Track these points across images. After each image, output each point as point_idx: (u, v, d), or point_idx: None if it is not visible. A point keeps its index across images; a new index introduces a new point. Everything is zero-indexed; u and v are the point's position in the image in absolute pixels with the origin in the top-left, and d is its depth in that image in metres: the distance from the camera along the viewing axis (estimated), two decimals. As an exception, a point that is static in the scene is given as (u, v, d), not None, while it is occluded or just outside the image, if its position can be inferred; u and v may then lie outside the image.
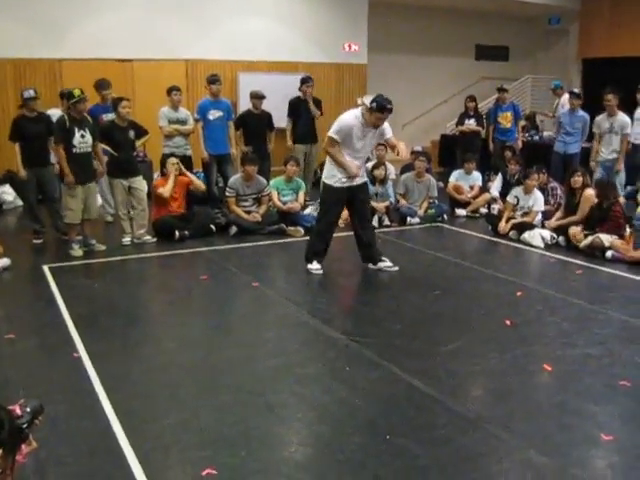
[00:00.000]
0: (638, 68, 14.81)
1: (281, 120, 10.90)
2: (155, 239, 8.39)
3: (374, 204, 9.43)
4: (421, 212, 9.73)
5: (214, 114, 9.78)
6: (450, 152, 13.58)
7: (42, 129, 8.17)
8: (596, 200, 8.20)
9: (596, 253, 7.81)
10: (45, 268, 7.25)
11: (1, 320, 5.78)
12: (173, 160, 8.71)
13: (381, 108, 6.53)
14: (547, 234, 8.49)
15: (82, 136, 7.62)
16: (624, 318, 5.83)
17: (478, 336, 5.46)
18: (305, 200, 9.68)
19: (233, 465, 3.54)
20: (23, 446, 2.51)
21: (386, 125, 6.85)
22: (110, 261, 7.66)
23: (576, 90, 11.55)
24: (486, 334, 5.51)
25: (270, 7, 13.21)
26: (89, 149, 7.74)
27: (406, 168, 11.04)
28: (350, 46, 14.26)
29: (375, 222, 9.28)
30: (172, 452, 3.68)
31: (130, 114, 8.28)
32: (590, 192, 8.42)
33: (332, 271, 7.41)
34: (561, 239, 8.38)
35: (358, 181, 6.95)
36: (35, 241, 8.41)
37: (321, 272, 7.02)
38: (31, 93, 8.14)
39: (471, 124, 12.42)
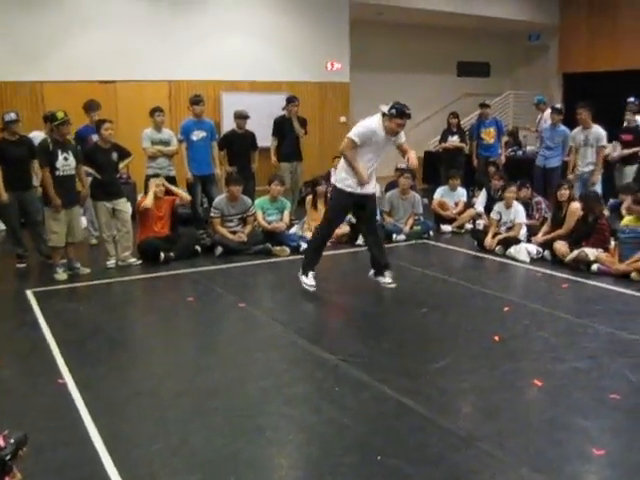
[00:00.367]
0: (617, 82, 14.99)
1: (265, 139, 10.89)
2: (140, 261, 8.33)
3: (360, 222, 9.43)
4: (407, 229, 9.74)
5: (198, 134, 9.77)
6: (434, 169, 13.62)
7: (24, 152, 8.12)
8: (582, 213, 8.24)
9: (581, 267, 7.84)
10: (29, 292, 7.17)
11: (-16, 347, 5.71)
12: (158, 181, 8.67)
13: (401, 113, 6.50)
14: (533, 248, 8.52)
15: (65, 159, 7.58)
16: (611, 331, 5.84)
17: (467, 353, 5.45)
18: (290, 219, 9.66)
19: (223, 490, 3.51)
20: (7, 478, 2.46)
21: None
22: (95, 284, 7.59)
23: (558, 105, 11.66)
24: (475, 350, 5.49)
25: (253, 27, 13.24)
26: (72, 172, 7.69)
27: (391, 185, 11.07)
28: (333, 65, 14.31)
29: (361, 240, 9.26)
30: (161, 478, 3.63)
31: (113, 136, 8.24)
32: (576, 205, 8.47)
33: (319, 290, 7.37)
34: (547, 253, 8.41)
35: (369, 190, 6.84)
36: (18, 265, 8.33)
37: (314, 289, 6.90)
38: (12, 116, 8.09)
39: (454, 140, 12.47)
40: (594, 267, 7.77)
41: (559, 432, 4.08)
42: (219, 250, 8.71)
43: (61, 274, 7.71)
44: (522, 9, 16.59)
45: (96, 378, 4.95)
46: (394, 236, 9.56)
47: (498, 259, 8.53)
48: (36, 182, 8.36)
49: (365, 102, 15.33)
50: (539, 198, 9.63)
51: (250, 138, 10.30)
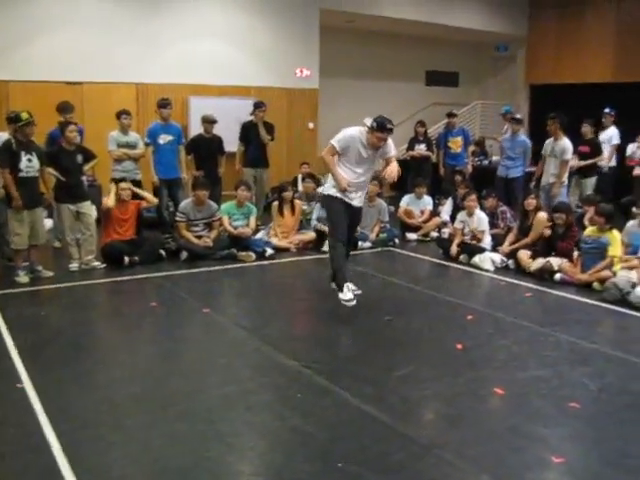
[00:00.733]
0: (582, 94, 15.20)
1: (232, 144, 10.88)
2: (104, 265, 8.24)
3: (325, 229, 9.42)
4: (372, 236, 9.76)
5: (164, 138, 9.71)
6: (401, 177, 13.63)
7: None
8: (549, 223, 8.34)
9: (545, 276, 7.92)
10: (-11, 295, 7.07)
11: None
12: (124, 185, 8.59)
13: (381, 127, 6.38)
14: (497, 257, 8.60)
15: (29, 160, 7.48)
16: (573, 340, 5.91)
17: (429, 361, 5.48)
18: (257, 225, 9.63)
19: (182, 497, 3.48)
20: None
21: (390, 143, 6.71)
22: (57, 288, 7.49)
23: (517, 116, 11.77)
24: (437, 358, 5.52)
25: (222, 31, 13.19)
26: (36, 174, 7.59)
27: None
28: (302, 71, 14.30)
29: (327, 247, 9.25)
30: (119, 485, 3.60)
31: (77, 138, 8.16)
32: (543, 215, 8.57)
33: (284, 296, 7.38)
34: (511, 262, 8.49)
35: (355, 203, 6.72)
36: (-21, 267, 8.21)
37: (354, 302, 6.40)
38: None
39: (421, 149, 12.55)
40: (557, 277, 7.87)
41: (520, 440, 4.11)
42: (184, 255, 8.66)
43: (23, 277, 7.60)
44: (491, 20, 16.73)
45: (56, 383, 4.89)
46: (360, 243, 9.56)
47: (463, 268, 8.59)
48: (-1, 183, 8.25)
49: (334, 109, 15.44)
50: (504, 207, 9.71)
51: (217, 143, 10.27)
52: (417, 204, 10.66)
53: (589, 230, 8.09)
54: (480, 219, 9.04)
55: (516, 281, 7.99)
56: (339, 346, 5.69)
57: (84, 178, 8.82)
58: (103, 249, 8.37)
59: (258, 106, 10.88)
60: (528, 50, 17.83)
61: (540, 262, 8.03)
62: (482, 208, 9.36)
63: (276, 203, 9.74)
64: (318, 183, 11.59)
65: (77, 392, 4.76)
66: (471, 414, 4.48)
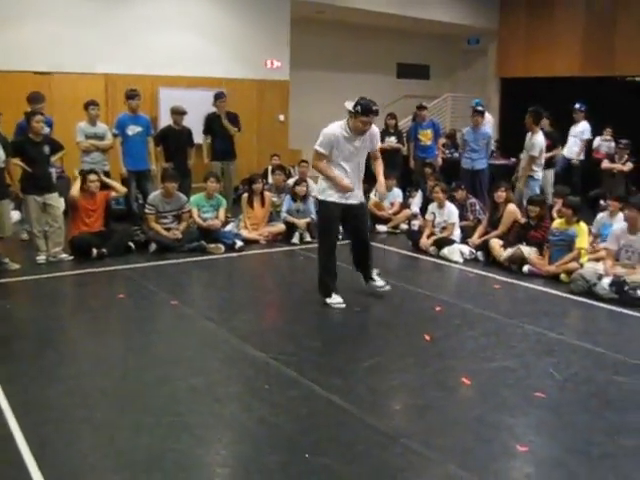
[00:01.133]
0: (552, 88, 15.33)
1: (202, 136, 10.80)
2: (71, 257, 8.16)
3: (295, 220, 9.44)
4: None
5: (133, 129, 9.63)
6: (371, 169, 13.66)
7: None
8: (518, 216, 8.41)
9: (513, 267, 7.99)
10: (-46, 288, 6.98)
11: None
12: (92, 177, 8.49)
13: (366, 110, 6.07)
14: (466, 249, 8.65)
15: (-6, 151, 7.39)
16: (539, 331, 5.96)
17: (398, 351, 5.50)
18: (226, 217, 9.59)
19: (148, 489, 3.46)
20: None
21: (376, 133, 6.53)
22: (24, 280, 7.39)
23: (480, 108, 11.80)
24: (405, 349, 5.55)
25: (192, 22, 13.09)
26: (1, 165, 7.49)
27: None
28: (272, 62, 14.24)
29: (296, 239, 9.29)
30: (84, 478, 3.56)
31: (44, 128, 8.06)
32: (513, 207, 8.63)
33: (253, 288, 7.36)
34: (479, 254, 8.55)
35: (353, 200, 6.44)
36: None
37: (344, 306, 6.51)
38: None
39: (392, 141, 12.55)
40: (525, 268, 7.93)
41: (486, 429, 4.15)
42: (153, 247, 8.60)
43: (-12, 270, 7.51)
44: (462, 13, 16.79)
45: (21, 376, 4.84)
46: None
47: (432, 260, 8.63)
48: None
49: (304, 100, 15.43)
50: (474, 200, 9.77)
51: (187, 134, 10.19)
52: (387, 196, 10.67)
53: (557, 222, 8.16)
54: (450, 211, 9.09)
55: (485, 273, 8.05)
56: (307, 338, 5.68)
57: (52, 170, 8.72)
58: (71, 241, 8.28)
59: (218, 97, 10.73)
60: (499, 43, 17.94)
61: (510, 251, 8.09)
62: (452, 200, 9.41)
63: (246, 195, 9.70)
64: (288, 175, 11.60)
65: (43, 385, 4.71)
66: (438, 404, 4.50)
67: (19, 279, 7.42)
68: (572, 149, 12.99)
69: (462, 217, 9.39)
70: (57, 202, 8.17)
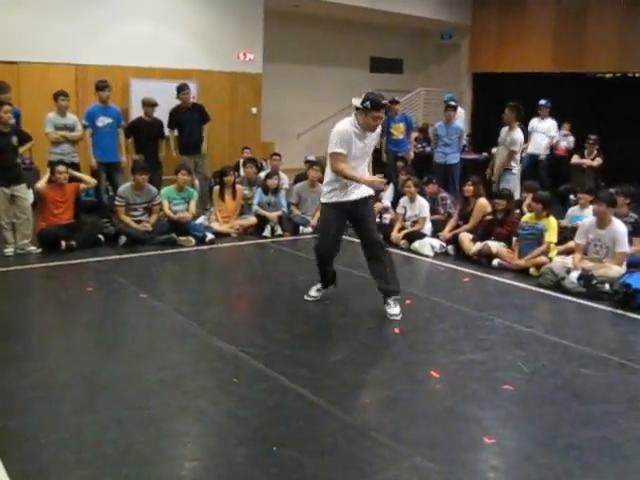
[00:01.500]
0: (523, 83, 15.43)
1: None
2: (40, 250, 8.06)
3: (266, 213, 9.41)
4: (314, 221, 9.72)
5: (103, 121, 9.54)
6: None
7: None
8: (489, 209, 8.45)
9: (482, 261, 8.03)
10: None
11: None
12: (61, 168, 8.40)
13: (377, 105, 5.77)
14: (437, 243, 8.69)
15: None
16: (508, 324, 6.00)
17: (367, 345, 5.51)
18: (197, 209, 9.51)
19: (114, 483, 3.42)
20: None
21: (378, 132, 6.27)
22: (-9, 273, 7.31)
23: (452, 103, 11.86)
24: (375, 342, 5.56)
25: (164, 13, 12.98)
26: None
27: (299, 177, 11.06)
28: (245, 55, 14.18)
29: (267, 232, 9.26)
30: (50, 473, 3.51)
31: (11, 119, 7.95)
32: (483, 201, 8.68)
33: (223, 281, 7.33)
34: (450, 248, 8.59)
35: (353, 196, 6.09)
36: None
37: (316, 299, 6.49)
38: None
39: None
40: (495, 262, 7.99)
41: (454, 422, 4.17)
42: (123, 239, 8.52)
43: (-46, 262, 7.40)
44: (435, 8, 16.81)
45: (-15, 369, 4.77)
46: (301, 228, 9.58)
47: (403, 253, 8.64)
48: None
49: (277, 94, 15.39)
50: (445, 194, 9.80)
51: (158, 126, 10.11)
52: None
53: (526, 217, 8.22)
54: (421, 205, 9.12)
55: (455, 266, 8.09)
56: (277, 331, 5.66)
57: (21, 161, 8.61)
58: (39, 233, 8.19)
59: (181, 89, 10.50)
60: (471, 39, 18.01)
61: (479, 245, 8.14)
62: (423, 194, 9.44)
63: (217, 187, 9.65)
64: (260, 168, 11.54)
65: (8, 378, 4.64)
66: (407, 397, 4.51)
67: (-14, 272, 7.33)
68: (540, 145, 13.07)
69: (433, 211, 9.42)
70: (25, 194, 8.06)
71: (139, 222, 8.75)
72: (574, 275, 7.06)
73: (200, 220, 9.42)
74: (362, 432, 3.98)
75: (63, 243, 8.05)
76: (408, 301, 6.51)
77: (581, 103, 14.78)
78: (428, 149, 14.20)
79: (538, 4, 16.37)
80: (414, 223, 9.07)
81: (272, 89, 15.05)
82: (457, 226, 8.87)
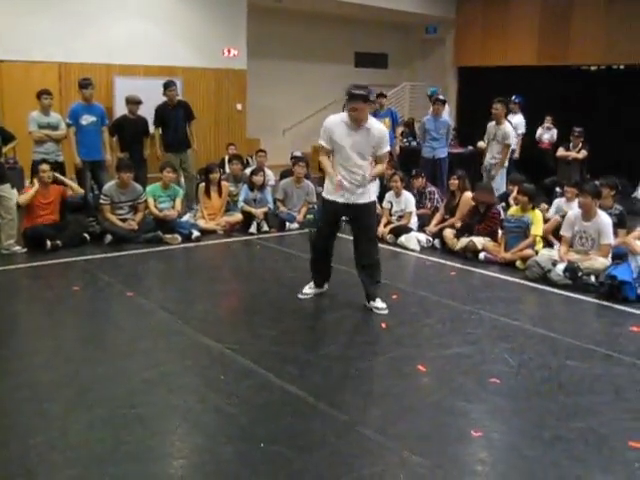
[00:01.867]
0: (508, 77, 15.47)
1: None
2: (25, 249, 8.01)
3: (252, 210, 9.39)
4: (300, 217, 9.74)
5: (87, 119, 9.48)
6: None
7: None
8: (473, 204, 8.47)
9: (469, 255, 8.05)
10: None
11: None
12: (45, 167, 8.34)
13: (349, 96, 5.69)
14: (423, 237, 8.70)
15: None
16: (495, 317, 6.02)
17: (354, 340, 5.52)
18: (183, 207, 9.48)
19: (101, 482, 3.41)
20: None
21: (383, 134, 5.96)
22: (-25, 273, 7.27)
23: (441, 97, 11.90)
24: (362, 337, 5.57)
25: (148, 10, 12.92)
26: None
27: (285, 173, 11.05)
28: (229, 51, 14.14)
29: (254, 228, 9.24)
30: (38, 474, 3.49)
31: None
32: (469, 195, 8.69)
33: (209, 279, 7.31)
34: (437, 242, 8.60)
35: (354, 199, 5.98)
36: None
37: (308, 297, 6.48)
38: None
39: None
40: (481, 256, 8.00)
41: (441, 416, 4.18)
42: (108, 238, 8.48)
43: (-62, 262, 7.34)
44: (419, 2, 16.78)
45: (-29, 370, 4.75)
46: (287, 225, 9.57)
47: (389, 248, 8.63)
48: None
49: (262, 90, 15.34)
50: (433, 188, 9.82)
51: (142, 124, 10.06)
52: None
53: (512, 210, 8.26)
54: (407, 200, 9.12)
55: (441, 260, 8.10)
56: (264, 327, 5.65)
57: (5, 160, 8.55)
58: (25, 233, 8.14)
59: (168, 85, 10.38)
60: (456, 33, 18.00)
61: (464, 241, 8.15)
62: (410, 188, 9.45)
63: (202, 185, 9.62)
64: (245, 164, 11.52)
65: (-7, 379, 4.63)
66: (394, 391, 4.52)
67: (-30, 272, 7.29)
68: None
69: (420, 205, 9.44)
70: (10, 193, 8.00)
71: (124, 220, 8.72)
72: (560, 267, 7.09)
73: (186, 217, 9.39)
74: (350, 427, 3.98)
75: (48, 242, 8.00)
76: (394, 296, 6.53)
77: (566, 96, 14.83)
78: (414, 143, 14.25)
79: (522, -3, 16.42)
80: (400, 218, 9.08)
81: (257, 85, 15.02)
82: (443, 220, 8.89)
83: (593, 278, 6.95)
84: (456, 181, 8.86)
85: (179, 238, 8.65)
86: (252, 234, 9.20)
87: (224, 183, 9.71)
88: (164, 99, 10.40)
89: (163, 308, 6.15)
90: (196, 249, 8.56)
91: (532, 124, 13.46)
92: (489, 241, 8.13)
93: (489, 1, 17.05)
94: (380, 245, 8.38)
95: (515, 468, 3.63)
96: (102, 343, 5.42)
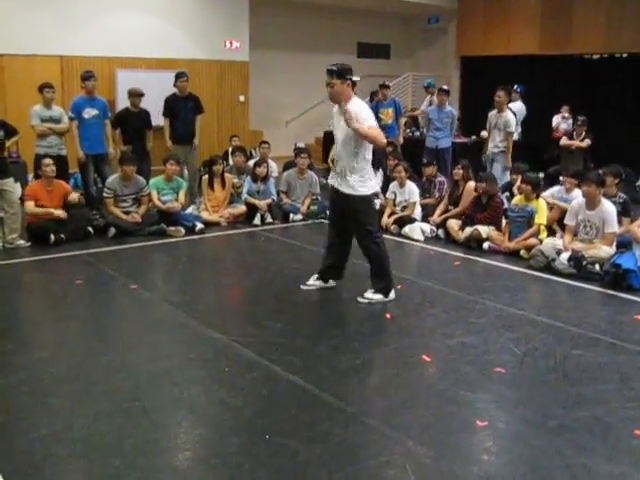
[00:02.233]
0: (510, 66, 15.41)
1: (160, 118, 10.55)
2: (29, 243, 8.02)
3: (256, 202, 9.38)
4: (303, 209, 9.72)
5: (89, 112, 9.45)
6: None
7: None
8: (476, 193, 8.45)
9: (472, 245, 8.04)
10: None
11: None
12: (47, 161, 8.33)
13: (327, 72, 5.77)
14: (427, 227, 8.69)
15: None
16: (499, 307, 6.01)
17: (359, 330, 5.52)
18: (186, 199, 9.46)
19: (108, 476, 3.41)
20: None
21: (358, 111, 5.71)
22: (-20, 268, 7.27)
23: (445, 87, 11.86)
24: (367, 328, 5.56)
25: (149, 2, 12.89)
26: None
27: (288, 165, 11.03)
28: (231, 43, 14.11)
29: (257, 220, 9.23)
30: (43, 467, 3.50)
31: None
32: (472, 185, 8.67)
33: (213, 271, 7.31)
34: (440, 232, 8.59)
35: (337, 185, 6.00)
36: None
37: (311, 289, 6.43)
38: None
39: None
40: (485, 245, 7.99)
41: (446, 406, 4.18)
42: (112, 231, 8.47)
43: (-57, 257, 7.35)
44: (421, -8, 16.75)
45: (-24, 365, 4.75)
46: (291, 216, 9.55)
47: (393, 238, 8.62)
48: None
49: (265, 81, 15.30)
50: (443, 178, 9.76)
51: (145, 117, 10.02)
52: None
53: (516, 199, 8.23)
54: (411, 190, 9.10)
55: (445, 250, 8.09)
56: (268, 319, 5.65)
57: (8, 155, 8.55)
58: (28, 227, 8.15)
59: (179, 76, 10.33)
60: (459, 22, 17.90)
61: (468, 231, 8.13)
62: (415, 179, 9.44)
63: (206, 177, 9.61)
64: (249, 156, 11.50)
65: (-2, 373, 4.63)
66: (399, 381, 4.52)
67: (-25, 266, 7.29)
68: None
69: (427, 194, 9.45)
70: (13, 187, 8.01)
71: (128, 213, 8.72)
72: (564, 256, 7.07)
73: (189, 210, 9.39)
74: (354, 418, 3.98)
75: (52, 236, 8.01)
76: (399, 286, 6.50)
77: (569, 84, 14.77)
78: (417, 134, 14.21)
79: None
80: (404, 208, 9.06)
81: (259, 77, 14.99)
82: (447, 210, 8.88)
83: (597, 267, 6.93)
84: (460, 171, 8.85)
85: (183, 230, 8.64)
86: (256, 226, 9.19)
87: (227, 175, 9.69)
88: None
89: (167, 301, 6.15)
90: (200, 241, 8.55)
91: (534, 113, 13.36)
92: (494, 230, 8.11)
93: (491, -10, 16.97)
94: (384, 236, 8.40)
95: (520, 457, 3.63)
96: (106, 336, 5.43)
